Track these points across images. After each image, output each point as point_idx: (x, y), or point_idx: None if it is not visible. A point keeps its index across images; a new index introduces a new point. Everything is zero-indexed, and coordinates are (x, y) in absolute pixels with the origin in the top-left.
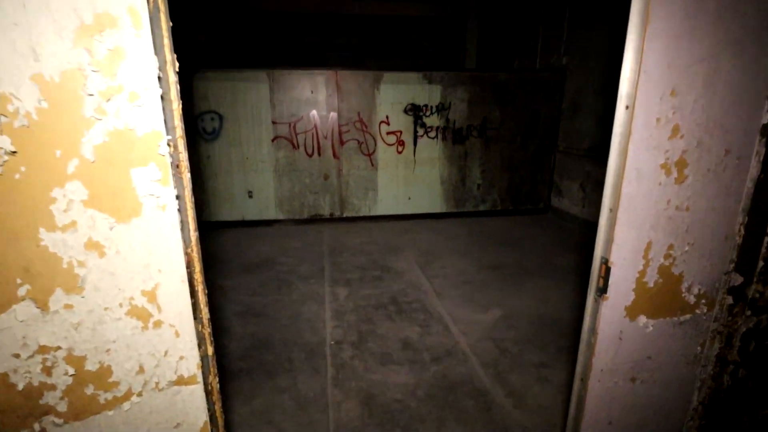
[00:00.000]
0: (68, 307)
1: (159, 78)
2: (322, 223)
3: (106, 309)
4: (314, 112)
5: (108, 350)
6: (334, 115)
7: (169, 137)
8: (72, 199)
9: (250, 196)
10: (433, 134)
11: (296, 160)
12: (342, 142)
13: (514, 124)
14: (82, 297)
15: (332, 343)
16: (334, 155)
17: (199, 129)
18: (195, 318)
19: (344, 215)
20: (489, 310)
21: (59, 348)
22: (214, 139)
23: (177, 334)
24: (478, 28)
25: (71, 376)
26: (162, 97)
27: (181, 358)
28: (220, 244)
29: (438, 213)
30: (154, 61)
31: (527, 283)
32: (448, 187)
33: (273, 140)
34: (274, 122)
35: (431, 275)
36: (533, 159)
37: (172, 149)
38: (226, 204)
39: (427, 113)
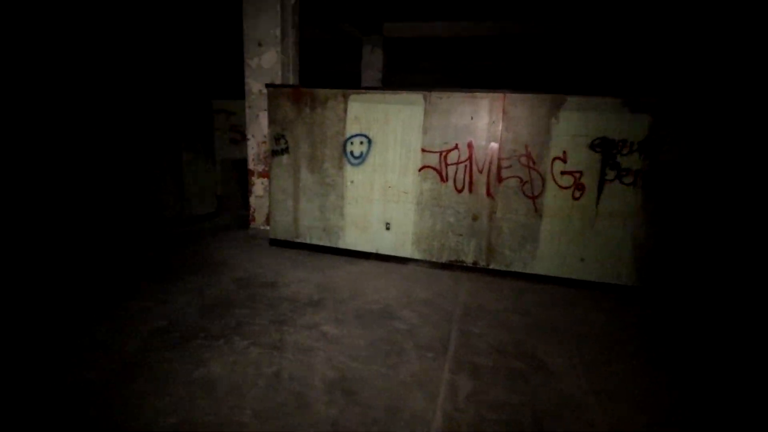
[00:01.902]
0: None
1: None
2: (462, 271)
3: None
4: (471, 141)
5: None
6: (494, 146)
7: None
8: None
9: (387, 229)
10: (629, 179)
11: (442, 194)
12: (500, 179)
13: None
14: None
15: None
16: (488, 193)
17: (347, 152)
18: None
19: (490, 266)
20: None
21: None
22: (360, 163)
23: None
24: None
25: None
26: None
27: None
28: (345, 277)
29: (623, 286)
30: None
31: None
32: (643, 253)
33: (420, 170)
34: (423, 150)
35: (607, 393)
36: None
37: None
38: (362, 233)
39: (624, 151)
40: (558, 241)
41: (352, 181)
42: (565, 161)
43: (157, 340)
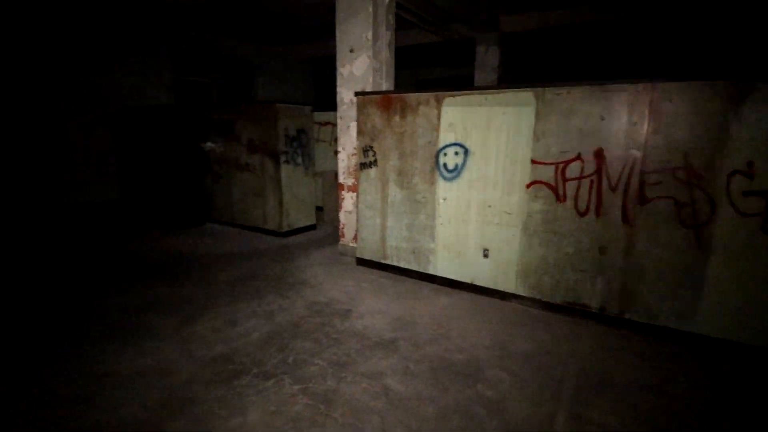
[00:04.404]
0: None
1: None
2: (582, 319)
3: None
4: (600, 149)
5: None
6: (635, 155)
7: None
8: None
9: (486, 256)
10: None
11: (558, 217)
12: (643, 200)
13: None
14: None
15: None
16: (625, 219)
17: (439, 165)
18: None
19: (625, 316)
20: None
21: None
22: (455, 177)
23: None
24: None
25: None
26: None
27: None
28: (430, 311)
29: None
30: None
31: None
32: None
33: (528, 186)
34: (533, 162)
35: None
36: None
37: None
38: (455, 259)
39: None
40: (736, 289)
41: (444, 198)
42: (751, 177)
43: (212, 370)
